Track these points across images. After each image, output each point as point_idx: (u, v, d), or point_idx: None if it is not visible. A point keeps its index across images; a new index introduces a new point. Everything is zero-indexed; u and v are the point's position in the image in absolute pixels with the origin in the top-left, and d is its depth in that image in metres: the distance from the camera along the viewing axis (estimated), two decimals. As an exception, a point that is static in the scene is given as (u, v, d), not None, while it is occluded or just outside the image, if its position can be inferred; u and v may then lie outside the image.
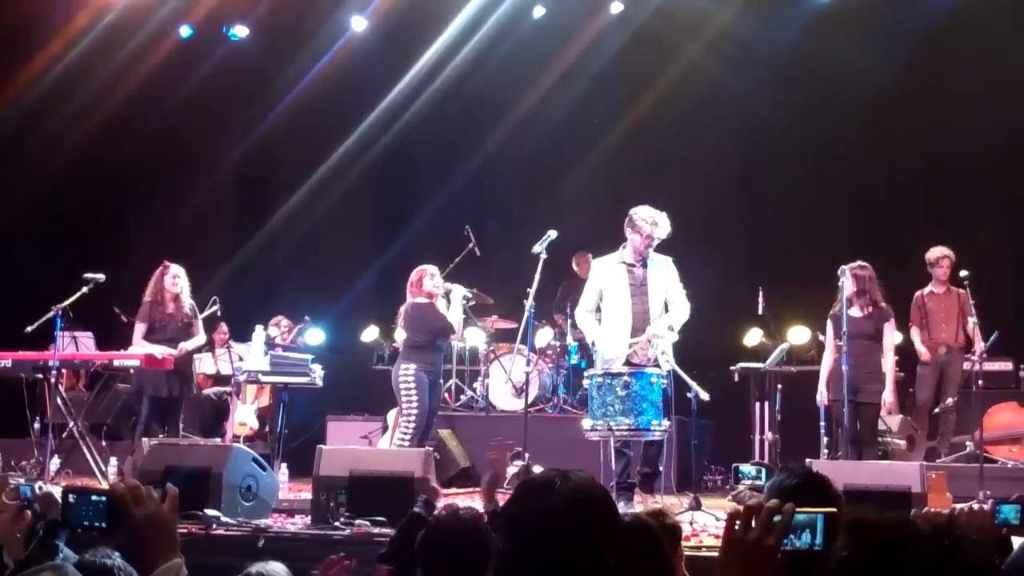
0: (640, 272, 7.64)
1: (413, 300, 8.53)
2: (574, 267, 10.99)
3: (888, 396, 8.06)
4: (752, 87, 11.49)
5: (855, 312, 8.06)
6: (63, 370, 9.39)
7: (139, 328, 9.09)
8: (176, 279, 9.11)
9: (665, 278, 7.67)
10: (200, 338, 9.29)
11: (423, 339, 8.46)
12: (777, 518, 1.95)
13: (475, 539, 3.05)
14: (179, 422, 9.06)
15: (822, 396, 8.13)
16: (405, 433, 8.21)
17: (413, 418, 8.19)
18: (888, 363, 8.11)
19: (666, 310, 7.64)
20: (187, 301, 9.18)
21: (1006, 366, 10.02)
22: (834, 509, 2.01)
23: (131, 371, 8.97)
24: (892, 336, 8.21)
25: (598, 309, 7.77)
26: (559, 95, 11.74)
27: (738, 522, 1.98)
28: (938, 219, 10.50)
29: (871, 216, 10.97)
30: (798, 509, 1.98)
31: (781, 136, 11.36)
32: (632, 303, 7.59)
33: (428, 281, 8.52)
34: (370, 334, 11.40)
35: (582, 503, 2.30)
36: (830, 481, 3.01)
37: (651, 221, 7.56)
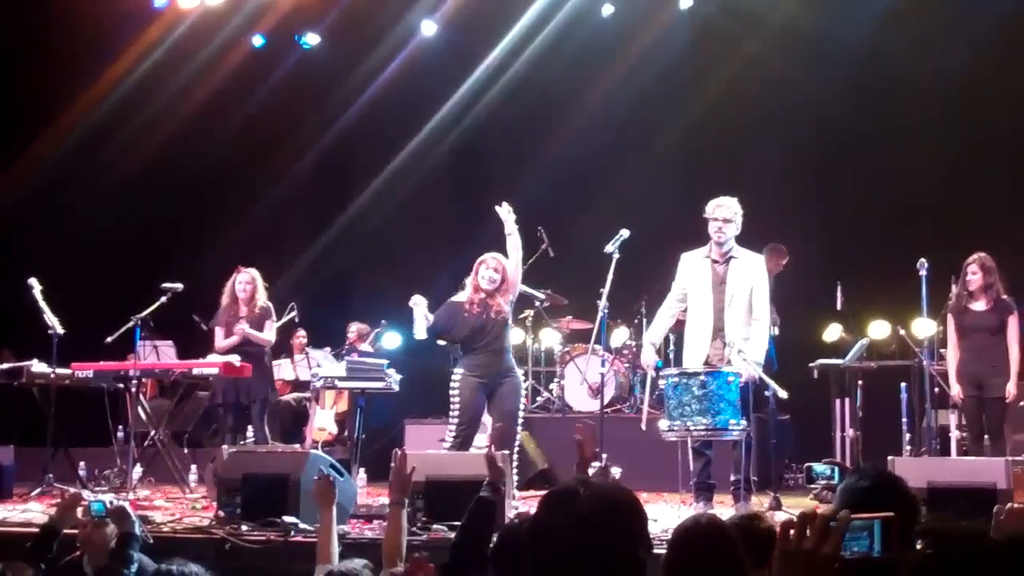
0: (722, 268, 7.46)
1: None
2: None
3: (1012, 388, 7.87)
4: (824, 79, 11.26)
5: (979, 306, 7.98)
6: (144, 379, 9.58)
7: (218, 332, 9.25)
8: (247, 283, 9.23)
9: (749, 277, 7.43)
10: (266, 335, 9.31)
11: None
12: (832, 524, 1.86)
13: None
14: (257, 428, 9.08)
15: (955, 392, 8.04)
16: (449, 435, 7.87)
17: (453, 425, 7.82)
18: (1014, 354, 7.93)
19: (750, 312, 7.38)
20: (260, 302, 9.27)
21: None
22: (891, 514, 1.92)
23: (210, 379, 9.08)
24: (1017, 328, 8.03)
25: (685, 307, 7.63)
26: (626, 91, 11.63)
27: (791, 531, 1.89)
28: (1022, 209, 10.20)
29: (951, 207, 10.69)
30: (853, 516, 1.89)
31: (856, 128, 11.13)
32: (713, 300, 7.42)
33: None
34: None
35: (607, 508, 2.27)
36: (904, 482, 2.91)
37: (714, 205, 7.44)
